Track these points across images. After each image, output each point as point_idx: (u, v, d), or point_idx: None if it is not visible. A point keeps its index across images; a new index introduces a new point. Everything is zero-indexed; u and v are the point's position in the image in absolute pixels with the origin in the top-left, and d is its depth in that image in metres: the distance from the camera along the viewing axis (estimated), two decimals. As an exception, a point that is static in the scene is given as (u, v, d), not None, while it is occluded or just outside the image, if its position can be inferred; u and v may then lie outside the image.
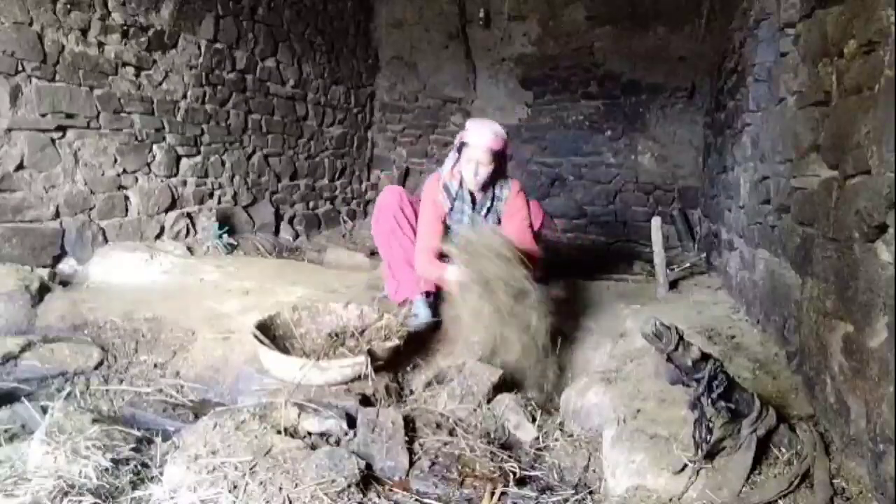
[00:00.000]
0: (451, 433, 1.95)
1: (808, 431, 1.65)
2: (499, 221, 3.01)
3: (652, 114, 5.90)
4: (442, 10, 6.31)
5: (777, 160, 2.46)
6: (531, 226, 2.97)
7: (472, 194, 2.92)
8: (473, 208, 2.94)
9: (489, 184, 2.89)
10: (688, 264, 4.24)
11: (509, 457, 1.87)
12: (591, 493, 1.76)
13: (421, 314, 2.84)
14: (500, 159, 2.86)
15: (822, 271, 1.82)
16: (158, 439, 1.78)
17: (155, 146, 3.89)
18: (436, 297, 2.94)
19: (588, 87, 6.05)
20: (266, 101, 4.96)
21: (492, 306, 2.38)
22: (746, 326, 2.68)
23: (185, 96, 4.10)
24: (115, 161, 3.60)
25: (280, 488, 1.48)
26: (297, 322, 2.41)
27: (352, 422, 1.89)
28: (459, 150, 2.86)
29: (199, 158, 4.28)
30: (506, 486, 1.70)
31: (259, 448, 1.63)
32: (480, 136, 2.77)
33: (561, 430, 2.10)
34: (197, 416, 2.04)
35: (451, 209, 2.91)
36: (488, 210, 2.96)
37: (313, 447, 1.69)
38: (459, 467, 1.76)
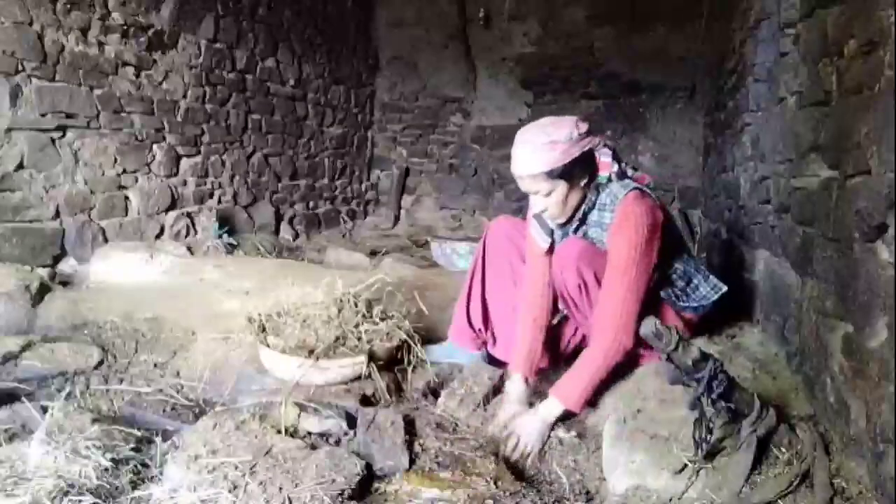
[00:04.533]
0: (451, 433, 1.95)
1: (808, 431, 1.65)
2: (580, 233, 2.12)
3: (652, 114, 5.90)
4: (442, 10, 6.31)
5: (777, 160, 2.46)
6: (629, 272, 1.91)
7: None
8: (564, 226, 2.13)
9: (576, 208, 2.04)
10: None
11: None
12: (590, 493, 1.76)
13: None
14: (567, 174, 1.92)
15: (822, 271, 1.82)
16: (158, 439, 1.77)
17: (155, 146, 3.89)
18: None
19: (588, 87, 6.06)
20: (266, 101, 4.96)
21: None
22: (746, 326, 2.68)
23: (185, 96, 4.10)
24: (115, 161, 3.60)
25: (280, 488, 1.48)
26: (297, 321, 2.41)
27: (352, 422, 1.89)
28: None
29: (199, 158, 4.28)
30: (506, 486, 1.70)
31: (259, 448, 1.63)
32: (513, 163, 1.95)
33: (561, 429, 2.09)
34: (197, 416, 2.04)
35: (554, 240, 2.15)
36: (581, 223, 2.08)
37: (313, 447, 1.69)
38: (459, 467, 1.76)
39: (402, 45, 6.51)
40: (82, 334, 2.56)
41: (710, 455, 1.55)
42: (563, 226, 2.11)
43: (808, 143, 1.99)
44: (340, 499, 1.48)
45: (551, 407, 1.97)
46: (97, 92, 3.45)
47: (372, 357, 2.14)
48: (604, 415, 1.99)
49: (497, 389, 2.24)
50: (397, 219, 6.64)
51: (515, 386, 2.11)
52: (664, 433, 1.69)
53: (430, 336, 2.57)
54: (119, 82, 3.60)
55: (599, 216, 2.04)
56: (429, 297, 2.76)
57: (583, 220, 2.07)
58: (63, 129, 3.27)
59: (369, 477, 1.62)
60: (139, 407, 2.13)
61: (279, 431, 1.74)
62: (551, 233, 2.14)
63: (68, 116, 3.28)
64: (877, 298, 1.41)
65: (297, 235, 5.29)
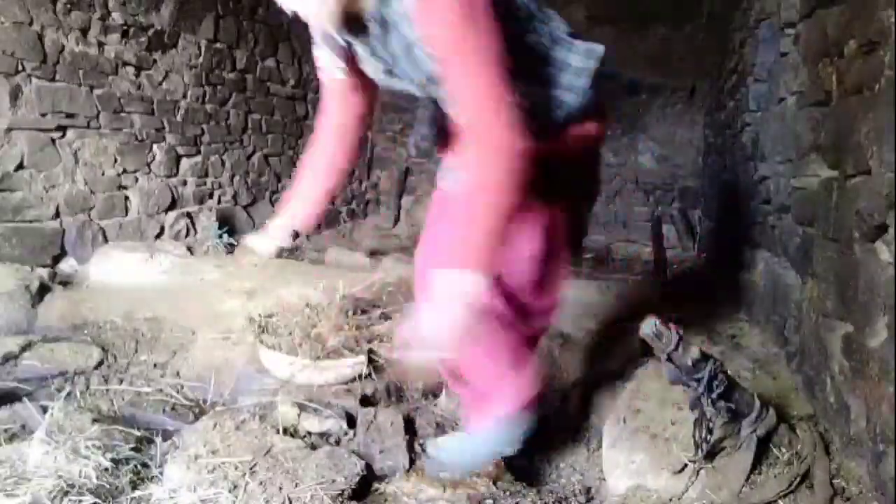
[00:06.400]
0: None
1: (808, 431, 1.65)
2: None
3: (652, 114, 5.90)
4: (442, 10, 6.31)
5: (777, 160, 2.46)
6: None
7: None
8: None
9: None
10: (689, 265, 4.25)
11: (509, 457, 1.86)
12: (590, 492, 1.76)
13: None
14: None
15: (822, 271, 1.82)
16: (158, 439, 1.78)
17: (155, 146, 3.89)
18: None
19: (588, 87, 6.05)
20: (266, 101, 4.96)
21: None
22: (746, 326, 2.68)
23: (185, 96, 4.10)
24: (115, 161, 3.60)
25: (280, 488, 1.48)
26: (297, 321, 2.41)
27: (352, 422, 1.89)
28: None
29: (199, 158, 4.28)
30: (506, 486, 1.70)
31: (259, 448, 1.63)
32: None
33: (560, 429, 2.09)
34: (197, 416, 2.04)
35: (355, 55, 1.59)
36: (381, 26, 1.43)
37: (313, 447, 1.69)
38: (459, 467, 1.76)
39: (402, 45, 6.50)
40: (82, 334, 2.56)
41: (710, 455, 1.55)
42: (358, 39, 1.51)
43: (808, 143, 1.99)
44: (340, 499, 1.48)
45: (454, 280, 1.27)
46: (97, 92, 3.45)
47: (372, 357, 2.15)
48: (604, 415, 1.99)
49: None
50: (397, 219, 6.64)
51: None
52: (664, 433, 1.69)
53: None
54: (119, 82, 3.60)
55: (398, 5, 1.36)
56: (429, 297, 2.76)
57: (383, 24, 1.42)
58: (63, 129, 3.27)
59: (369, 477, 1.62)
60: (139, 407, 2.13)
61: (279, 431, 1.75)
62: (348, 46, 1.56)
63: (68, 116, 3.28)
64: (877, 298, 1.41)
65: (297, 235, 5.29)
